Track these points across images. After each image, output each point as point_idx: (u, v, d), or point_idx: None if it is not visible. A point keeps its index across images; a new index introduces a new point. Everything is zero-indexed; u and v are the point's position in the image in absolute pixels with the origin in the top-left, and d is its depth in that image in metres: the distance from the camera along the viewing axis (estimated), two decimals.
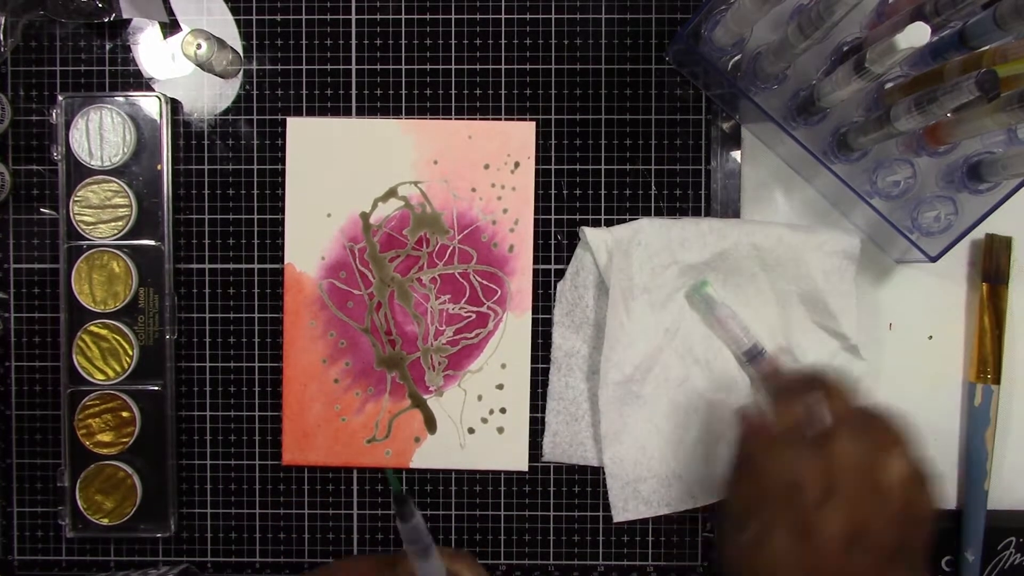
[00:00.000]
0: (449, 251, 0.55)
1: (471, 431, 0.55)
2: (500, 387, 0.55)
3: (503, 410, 0.55)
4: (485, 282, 0.55)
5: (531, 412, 0.55)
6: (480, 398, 0.55)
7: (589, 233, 0.53)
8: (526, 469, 0.55)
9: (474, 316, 0.55)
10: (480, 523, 0.55)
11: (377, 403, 0.55)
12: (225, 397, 0.55)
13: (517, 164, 0.54)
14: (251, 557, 0.56)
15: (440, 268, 0.55)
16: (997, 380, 0.54)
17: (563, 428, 0.55)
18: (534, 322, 0.55)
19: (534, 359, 0.55)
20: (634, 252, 0.52)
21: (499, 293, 0.55)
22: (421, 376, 0.55)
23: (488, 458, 0.55)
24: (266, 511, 0.56)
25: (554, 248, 0.55)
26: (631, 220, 0.54)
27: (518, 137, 0.54)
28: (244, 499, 0.55)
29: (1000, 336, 0.54)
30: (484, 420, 0.55)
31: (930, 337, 0.56)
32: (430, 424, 0.55)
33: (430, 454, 0.55)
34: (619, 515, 0.54)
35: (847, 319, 0.53)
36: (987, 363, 0.54)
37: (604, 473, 0.54)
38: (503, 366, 0.55)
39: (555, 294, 0.55)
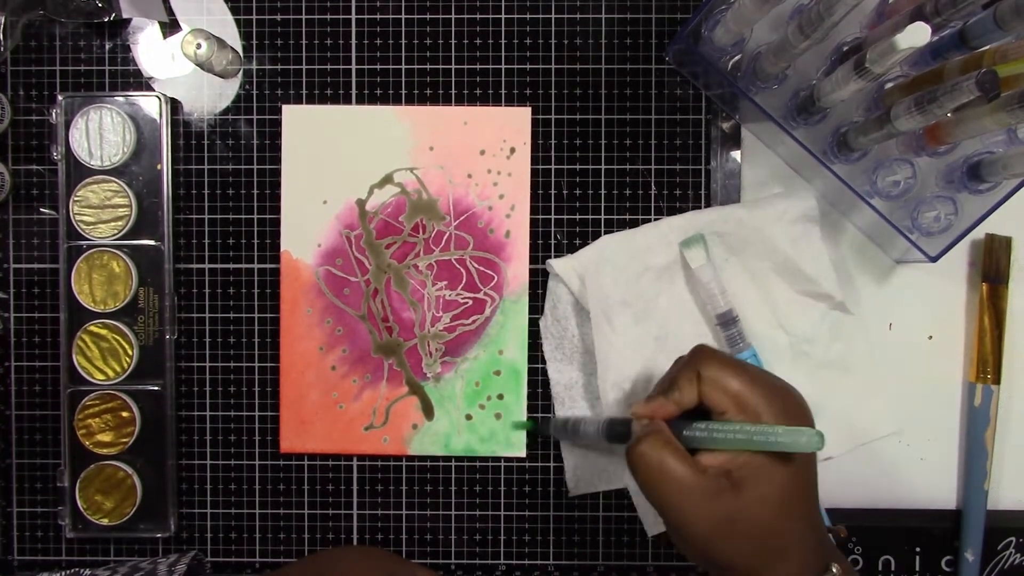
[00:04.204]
0: (445, 237, 0.55)
1: (469, 417, 0.55)
2: (497, 373, 0.55)
3: (500, 396, 0.55)
4: (482, 268, 0.55)
5: (529, 399, 0.55)
6: (477, 384, 0.55)
7: (556, 264, 0.53)
8: (524, 455, 0.55)
9: (471, 302, 0.55)
10: (480, 523, 0.55)
11: (374, 390, 0.55)
12: (225, 397, 0.55)
13: (513, 150, 0.54)
14: (251, 557, 0.56)
15: (436, 254, 0.55)
16: (997, 380, 0.54)
17: (581, 461, 0.54)
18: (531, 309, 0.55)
19: (532, 346, 0.55)
20: (604, 270, 0.52)
21: (496, 279, 0.55)
22: (418, 363, 0.55)
23: (486, 444, 0.55)
24: (266, 511, 0.56)
25: (554, 248, 0.55)
26: (592, 241, 0.53)
27: (513, 122, 0.54)
28: (244, 499, 0.55)
29: (1000, 336, 0.54)
30: (482, 406, 0.55)
31: (930, 337, 0.56)
32: (427, 411, 0.55)
33: (428, 441, 0.55)
34: (652, 529, 0.53)
35: (826, 279, 0.52)
36: (987, 363, 0.54)
37: (630, 492, 0.54)
38: (500, 352, 0.55)
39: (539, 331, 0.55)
